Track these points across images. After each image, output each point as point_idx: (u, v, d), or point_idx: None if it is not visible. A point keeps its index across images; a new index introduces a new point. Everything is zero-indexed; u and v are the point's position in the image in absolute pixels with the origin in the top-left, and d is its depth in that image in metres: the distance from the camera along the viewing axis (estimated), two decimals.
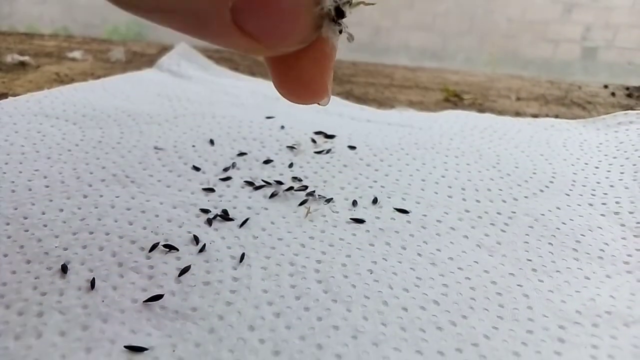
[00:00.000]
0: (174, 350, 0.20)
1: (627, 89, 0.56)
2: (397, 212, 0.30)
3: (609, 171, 0.35)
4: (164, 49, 0.60)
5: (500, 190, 0.33)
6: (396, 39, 2.09)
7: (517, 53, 2.03)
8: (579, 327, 0.23)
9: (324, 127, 0.39)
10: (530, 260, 0.27)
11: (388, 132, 0.40)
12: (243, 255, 0.26)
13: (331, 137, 0.38)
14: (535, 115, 0.48)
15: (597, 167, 0.36)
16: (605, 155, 0.37)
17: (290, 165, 0.34)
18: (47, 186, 0.30)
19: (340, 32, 0.18)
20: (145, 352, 0.20)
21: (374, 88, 0.55)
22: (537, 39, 2.02)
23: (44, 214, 0.28)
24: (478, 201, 0.31)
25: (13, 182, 0.31)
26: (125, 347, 0.20)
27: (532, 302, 0.24)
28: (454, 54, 2.03)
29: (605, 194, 0.33)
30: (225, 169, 0.33)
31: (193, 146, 0.36)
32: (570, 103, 0.52)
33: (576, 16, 1.96)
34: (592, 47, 1.99)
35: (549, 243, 0.28)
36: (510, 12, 2.01)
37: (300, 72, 0.18)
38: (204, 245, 0.26)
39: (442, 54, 2.04)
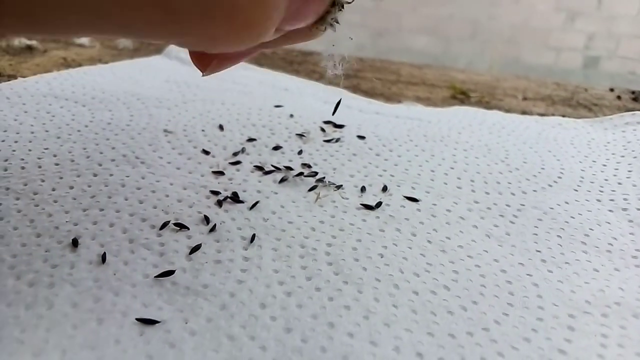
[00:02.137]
0: (186, 323, 0.20)
1: (633, 92, 0.56)
2: (407, 200, 0.30)
3: (616, 169, 0.35)
4: None
5: (509, 183, 0.33)
6: (399, 43, 2.10)
7: (519, 60, 2.04)
8: (588, 316, 0.23)
9: (333, 117, 0.39)
10: (539, 251, 0.27)
11: (397, 124, 0.40)
12: (254, 236, 0.26)
13: (340, 126, 0.38)
14: (541, 115, 0.48)
15: (604, 165, 0.36)
16: (613, 153, 0.37)
17: (300, 152, 0.34)
18: (57, 164, 0.30)
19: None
20: (156, 325, 0.20)
21: (381, 83, 0.55)
22: (540, 46, 2.03)
23: (54, 190, 0.28)
24: (487, 193, 0.32)
25: (22, 159, 0.31)
26: (137, 319, 0.20)
27: (541, 291, 0.24)
28: (457, 59, 2.03)
29: (613, 190, 0.33)
30: (235, 154, 0.33)
31: (202, 130, 0.36)
32: (577, 104, 0.52)
33: (579, 25, 1.97)
34: (595, 56, 2.00)
35: (558, 236, 0.28)
36: (513, 19, 2.01)
37: None
38: (215, 225, 0.26)
39: (445, 59, 2.05)
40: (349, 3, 0.20)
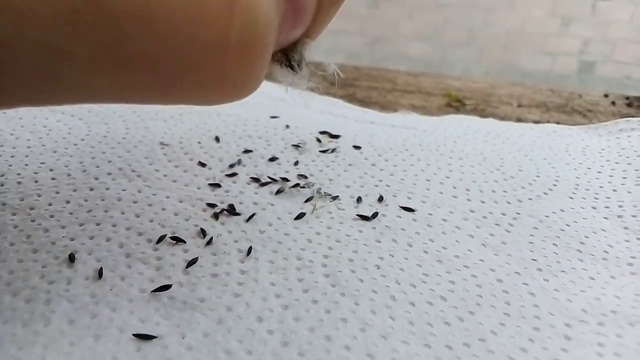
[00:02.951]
0: (183, 338, 0.20)
1: (627, 98, 0.56)
2: (403, 211, 0.30)
3: (611, 176, 0.35)
4: None
5: (505, 192, 0.33)
6: (395, 49, 2.11)
7: (515, 65, 2.05)
8: (585, 325, 0.23)
9: (329, 127, 0.40)
10: (535, 260, 0.27)
11: (392, 134, 0.40)
12: (250, 248, 0.26)
13: (336, 137, 0.38)
14: (536, 122, 0.48)
15: (599, 172, 0.36)
16: (608, 160, 0.38)
17: (296, 163, 0.34)
18: (54, 178, 0.30)
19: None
20: (154, 340, 0.20)
21: (377, 92, 0.56)
22: (535, 51, 2.04)
23: (50, 205, 0.28)
24: (483, 202, 0.32)
25: (19, 174, 0.31)
26: (133, 335, 0.20)
27: (538, 301, 0.24)
28: (453, 65, 2.04)
29: (608, 197, 0.33)
30: (231, 165, 0.33)
31: (199, 142, 0.36)
32: (571, 111, 0.53)
33: (574, 30, 1.98)
34: (590, 61, 2.01)
35: (554, 244, 0.28)
36: (509, 25, 2.03)
37: None
38: (211, 238, 0.26)
39: (441, 65, 2.06)
40: (296, 65, 0.19)
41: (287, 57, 0.19)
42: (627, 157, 0.38)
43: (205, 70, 0.14)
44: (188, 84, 0.15)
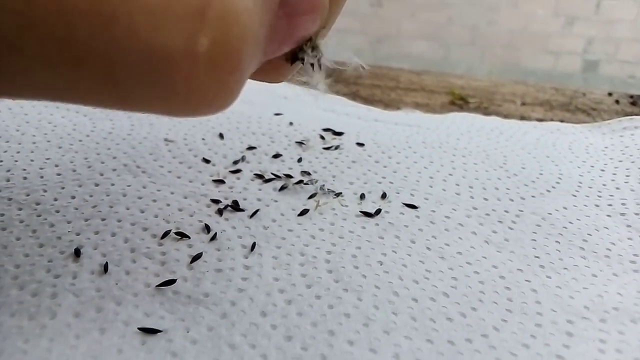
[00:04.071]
0: (187, 332, 0.20)
1: (631, 97, 0.56)
2: (406, 207, 0.30)
3: (614, 174, 0.35)
4: None
5: (508, 189, 0.33)
6: (398, 49, 2.11)
7: (518, 64, 2.04)
8: (587, 322, 0.23)
9: (332, 124, 0.40)
10: (538, 257, 0.27)
11: (396, 131, 0.40)
12: (254, 244, 0.26)
13: (339, 134, 0.38)
14: (540, 120, 0.48)
15: (602, 170, 0.36)
16: (611, 158, 0.38)
17: (299, 160, 0.35)
18: (59, 174, 0.31)
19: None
20: (158, 334, 0.20)
21: (380, 90, 0.56)
22: (539, 50, 2.03)
23: (56, 200, 0.28)
24: (486, 199, 0.32)
25: (25, 169, 0.31)
26: (139, 329, 0.21)
27: (540, 297, 0.24)
28: (456, 64, 2.04)
29: (612, 195, 0.33)
30: (235, 162, 0.34)
31: (203, 139, 0.36)
32: (575, 109, 0.53)
33: (578, 29, 1.97)
34: (594, 60, 2.00)
35: (556, 241, 0.28)
36: (512, 24, 2.02)
37: None
38: (215, 234, 0.26)
39: (444, 64, 2.05)
40: (317, 57, 0.19)
41: (300, 55, 0.19)
42: (631, 155, 0.38)
43: (168, 81, 0.13)
44: (149, 93, 0.14)
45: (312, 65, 0.19)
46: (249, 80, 0.19)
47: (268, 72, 0.19)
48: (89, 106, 0.15)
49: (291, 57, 0.19)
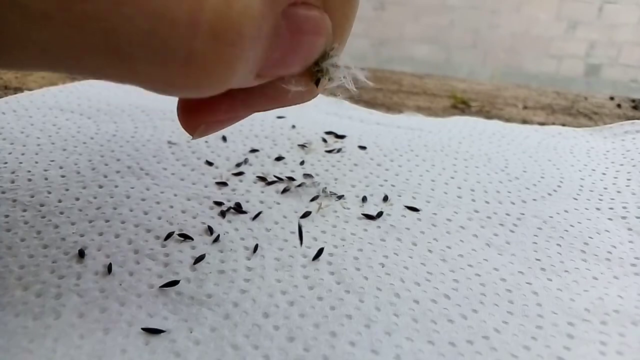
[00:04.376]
0: (191, 332, 0.21)
1: (633, 101, 0.56)
2: (408, 210, 0.30)
3: (615, 177, 0.36)
4: None
5: (509, 192, 0.33)
6: (400, 52, 2.11)
7: (520, 68, 2.05)
8: (587, 324, 0.23)
9: (335, 127, 0.40)
10: (539, 260, 0.27)
11: (397, 134, 0.40)
12: (256, 246, 0.26)
13: (342, 137, 0.39)
14: (542, 124, 0.48)
15: (604, 174, 0.36)
16: (612, 162, 0.38)
17: (302, 163, 0.35)
18: (63, 176, 0.31)
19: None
20: (162, 334, 0.21)
21: (382, 93, 0.56)
22: (541, 54, 2.04)
23: (60, 201, 0.28)
24: (487, 202, 0.32)
25: (29, 171, 0.31)
26: (142, 329, 0.21)
27: (541, 300, 0.24)
28: (458, 67, 2.04)
29: (613, 199, 0.33)
30: (238, 165, 0.34)
31: (206, 142, 0.36)
32: (577, 113, 0.53)
33: (580, 33, 1.98)
34: (596, 64, 2.00)
35: (557, 244, 0.28)
36: (515, 28, 2.03)
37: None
38: (218, 235, 0.27)
39: (446, 67, 2.06)
40: (337, 67, 0.19)
41: (319, 75, 0.19)
42: (632, 159, 0.38)
43: (169, 47, 0.13)
44: (149, 60, 0.14)
45: (329, 79, 0.19)
46: None
47: (299, 95, 0.19)
48: (91, 77, 0.15)
49: (312, 76, 0.19)
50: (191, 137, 0.20)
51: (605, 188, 0.34)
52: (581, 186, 0.34)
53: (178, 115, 0.20)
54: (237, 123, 0.36)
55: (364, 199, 0.31)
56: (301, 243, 0.26)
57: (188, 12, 0.13)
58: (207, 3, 0.13)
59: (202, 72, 0.14)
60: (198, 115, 0.20)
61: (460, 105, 0.53)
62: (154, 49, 0.13)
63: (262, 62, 0.16)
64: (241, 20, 0.14)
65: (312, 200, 0.31)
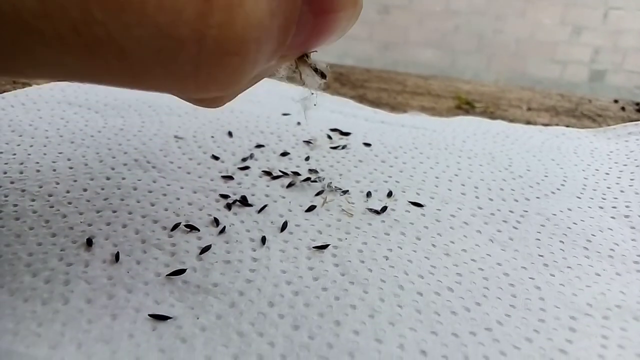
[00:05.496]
0: (197, 319, 0.21)
1: (637, 104, 0.56)
2: (412, 205, 0.31)
3: (619, 177, 0.36)
4: None
5: (513, 190, 0.33)
6: (405, 56, 2.11)
7: (525, 73, 2.05)
8: (589, 318, 0.23)
9: (339, 125, 0.40)
10: (541, 256, 0.27)
11: (402, 132, 0.40)
12: (262, 238, 0.26)
13: (346, 134, 0.39)
14: (546, 125, 0.48)
15: (607, 174, 0.36)
16: (616, 162, 0.38)
17: (307, 159, 0.35)
18: (71, 167, 0.31)
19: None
20: (168, 320, 0.21)
21: (387, 93, 0.56)
22: (546, 60, 2.04)
23: (68, 192, 0.29)
24: (491, 199, 0.32)
25: (38, 162, 0.31)
26: (149, 315, 0.21)
27: (544, 294, 0.24)
28: (462, 72, 2.04)
29: (616, 198, 0.33)
30: (244, 159, 0.34)
31: (212, 137, 0.37)
32: (581, 115, 0.53)
33: (585, 38, 1.98)
34: (601, 70, 2.00)
35: (560, 241, 0.29)
36: (519, 33, 2.03)
37: None
38: (224, 227, 0.27)
39: (450, 72, 2.06)
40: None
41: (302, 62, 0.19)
42: (636, 160, 0.38)
43: (177, 62, 0.14)
44: (159, 74, 0.15)
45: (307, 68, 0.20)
46: (257, 83, 0.20)
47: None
48: (105, 85, 0.16)
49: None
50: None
51: (609, 187, 0.34)
52: (584, 185, 0.34)
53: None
54: (243, 119, 0.37)
55: (369, 194, 0.31)
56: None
57: (194, 31, 0.14)
58: (212, 18, 0.14)
59: (210, 80, 0.15)
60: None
61: (465, 106, 0.53)
62: (163, 65, 0.14)
63: (283, 48, 0.17)
64: (245, 32, 0.14)
65: (317, 194, 0.31)
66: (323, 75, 0.21)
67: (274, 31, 0.16)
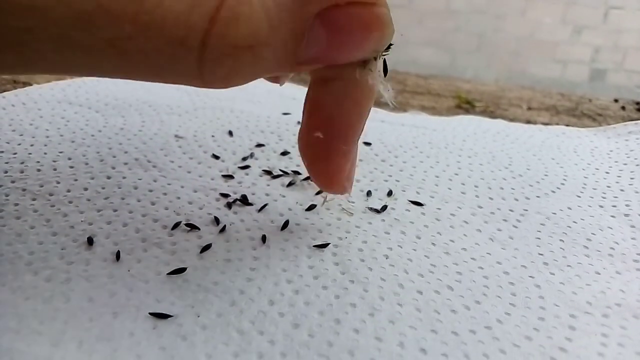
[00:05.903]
0: (198, 317, 0.21)
1: (637, 103, 0.56)
2: (412, 204, 0.31)
3: (619, 176, 0.36)
4: None
5: (513, 189, 0.33)
6: (405, 55, 2.11)
7: (525, 72, 2.05)
8: (589, 316, 0.23)
9: None
10: (541, 254, 0.27)
11: (402, 132, 0.40)
12: (262, 237, 0.26)
13: None
14: (546, 124, 0.48)
15: (607, 172, 0.36)
16: (616, 161, 0.38)
17: None
18: (72, 167, 0.31)
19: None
20: (169, 318, 0.21)
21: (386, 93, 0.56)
22: (546, 59, 2.04)
23: (69, 191, 0.29)
24: (491, 198, 0.32)
25: (38, 162, 0.31)
26: (150, 313, 0.21)
27: (543, 292, 0.24)
28: (463, 71, 2.04)
29: (616, 197, 0.33)
30: (244, 158, 0.34)
31: (212, 136, 0.37)
32: (581, 114, 0.53)
33: (585, 38, 1.98)
34: (601, 69, 2.00)
35: (560, 240, 0.29)
36: (519, 32, 2.03)
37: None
38: (224, 226, 0.27)
39: (451, 71, 2.06)
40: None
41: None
42: (636, 159, 0.38)
43: (186, 62, 0.17)
44: (175, 71, 0.18)
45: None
46: (257, 83, 0.23)
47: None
48: (131, 79, 0.19)
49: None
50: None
51: (609, 186, 0.34)
52: (584, 184, 0.34)
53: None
54: (243, 119, 0.38)
55: (369, 193, 0.31)
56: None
57: (198, 40, 0.17)
58: (215, 27, 0.17)
59: (214, 78, 0.18)
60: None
61: (465, 106, 0.53)
62: (175, 63, 0.17)
63: (292, 57, 0.19)
64: (245, 41, 0.17)
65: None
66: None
67: (275, 41, 0.18)
